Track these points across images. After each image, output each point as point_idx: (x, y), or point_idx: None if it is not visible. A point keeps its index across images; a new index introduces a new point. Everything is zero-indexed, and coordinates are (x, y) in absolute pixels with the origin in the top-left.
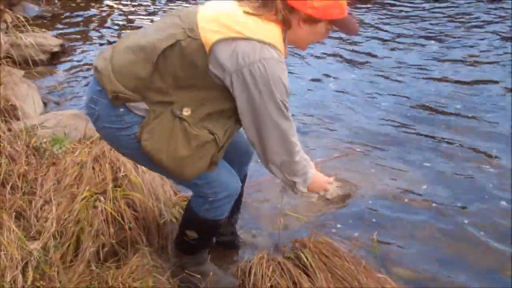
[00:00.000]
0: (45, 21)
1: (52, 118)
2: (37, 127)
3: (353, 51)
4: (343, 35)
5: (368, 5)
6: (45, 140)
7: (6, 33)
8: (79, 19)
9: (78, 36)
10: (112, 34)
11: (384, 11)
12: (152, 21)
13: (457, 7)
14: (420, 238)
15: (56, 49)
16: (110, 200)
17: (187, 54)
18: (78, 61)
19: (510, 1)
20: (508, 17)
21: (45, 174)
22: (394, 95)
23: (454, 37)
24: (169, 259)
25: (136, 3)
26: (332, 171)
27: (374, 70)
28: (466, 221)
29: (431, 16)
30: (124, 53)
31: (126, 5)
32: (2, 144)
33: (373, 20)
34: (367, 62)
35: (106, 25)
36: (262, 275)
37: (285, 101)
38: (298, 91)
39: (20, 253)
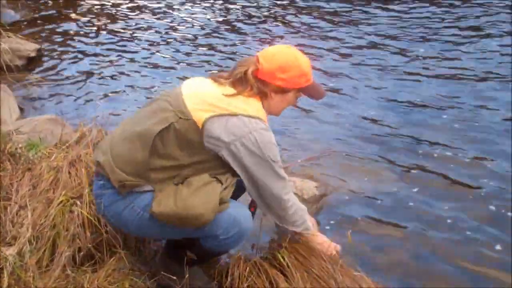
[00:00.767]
0: (22, 26)
1: (27, 123)
2: (13, 132)
3: (334, 49)
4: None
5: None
6: (20, 145)
7: None
8: (56, 24)
9: (55, 41)
10: (90, 39)
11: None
12: (132, 34)
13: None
14: (395, 237)
15: (32, 54)
16: (86, 204)
17: (182, 135)
18: (54, 66)
19: None
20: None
21: (20, 180)
22: (373, 94)
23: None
24: (147, 262)
25: (114, 8)
26: (309, 171)
27: (353, 70)
28: (441, 220)
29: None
30: (122, 144)
31: (103, 9)
32: None
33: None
34: (346, 61)
35: (83, 30)
36: (239, 275)
37: (278, 161)
38: None
39: None
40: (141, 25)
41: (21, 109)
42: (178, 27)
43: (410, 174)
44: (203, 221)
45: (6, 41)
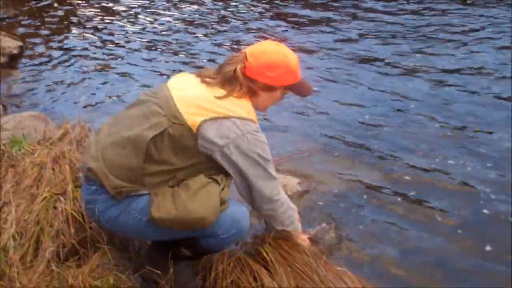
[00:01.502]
0: (4, 23)
1: (11, 120)
2: None
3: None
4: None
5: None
6: (3, 142)
7: None
8: (39, 21)
9: (38, 38)
10: (72, 36)
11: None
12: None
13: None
14: (378, 234)
15: (15, 51)
16: (70, 201)
17: (177, 140)
18: (37, 63)
19: None
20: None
21: (4, 176)
22: (359, 91)
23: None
24: (131, 257)
25: (98, 5)
26: (292, 167)
27: (339, 67)
28: (425, 215)
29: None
30: (113, 149)
31: (86, 7)
32: None
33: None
34: (331, 58)
35: (67, 28)
36: (223, 270)
37: (270, 161)
38: None
39: None
40: (130, 21)
41: (4, 106)
42: (158, 26)
43: (394, 170)
44: (206, 223)
45: None
